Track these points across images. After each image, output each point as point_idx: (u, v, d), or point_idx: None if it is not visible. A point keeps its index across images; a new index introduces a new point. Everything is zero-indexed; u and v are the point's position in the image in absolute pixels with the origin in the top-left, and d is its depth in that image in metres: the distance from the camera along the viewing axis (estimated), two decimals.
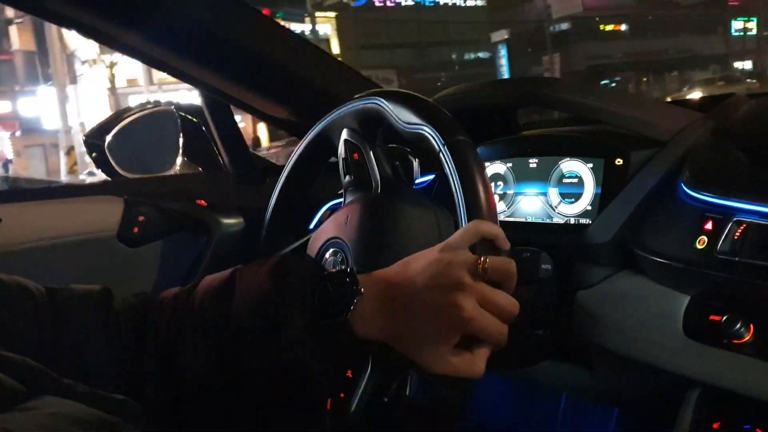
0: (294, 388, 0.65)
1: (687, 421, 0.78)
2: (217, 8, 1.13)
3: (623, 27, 29.94)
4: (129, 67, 18.40)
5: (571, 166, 0.93)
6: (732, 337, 0.72)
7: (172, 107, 1.35)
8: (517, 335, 0.63)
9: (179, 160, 1.32)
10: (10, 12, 15.29)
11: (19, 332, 0.62)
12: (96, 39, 1.14)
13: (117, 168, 1.27)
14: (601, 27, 29.31)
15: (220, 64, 1.20)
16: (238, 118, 1.45)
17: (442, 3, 29.92)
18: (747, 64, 28.02)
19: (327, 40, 24.34)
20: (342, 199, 0.92)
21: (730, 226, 0.72)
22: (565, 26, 26.96)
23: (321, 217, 1.18)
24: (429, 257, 0.63)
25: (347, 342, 0.62)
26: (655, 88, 26.29)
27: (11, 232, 1.03)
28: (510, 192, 1.00)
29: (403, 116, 0.78)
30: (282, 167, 1.00)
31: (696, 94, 16.74)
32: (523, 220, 0.98)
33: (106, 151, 1.26)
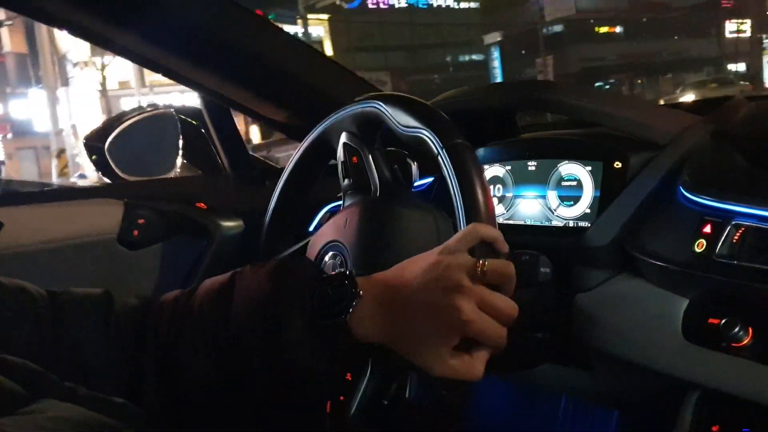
0: (294, 390, 0.65)
1: (686, 423, 0.78)
2: (213, 10, 1.13)
3: (618, 29, 29.97)
4: (121, 70, 18.40)
5: (569, 169, 0.93)
6: (731, 340, 0.72)
7: (172, 110, 1.35)
8: (516, 338, 0.63)
9: (179, 162, 1.32)
10: (0, 14, 15.25)
11: (20, 335, 0.62)
12: (89, 40, 1.14)
13: (117, 171, 1.27)
14: (596, 29, 29.35)
15: (217, 66, 1.20)
16: None
17: (435, 5, 29.98)
18: (741, 67, 28.06)
19: (320, 43, 24.29)
20: (341, 202, 0.92)
21: (728, 229, 0.72)
22: (558, 28, 26.98)
23: (320, 219, 1.19)
24: (428, 260, 0.63)
25: (346, 344, 0.62)
26: (648, 91, 26.28)
27: (12, 235, 1.03)
28: (509, 195, 1.00)
29: (401, 119, 0.79)
30: (281, 170, 1.01)
31: (688, 97, 16.77)
32: (521, 223, 0.98)
33: (106, 153, 1.26)
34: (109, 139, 1.26)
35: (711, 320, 0.73)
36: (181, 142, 1.32)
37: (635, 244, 0.82)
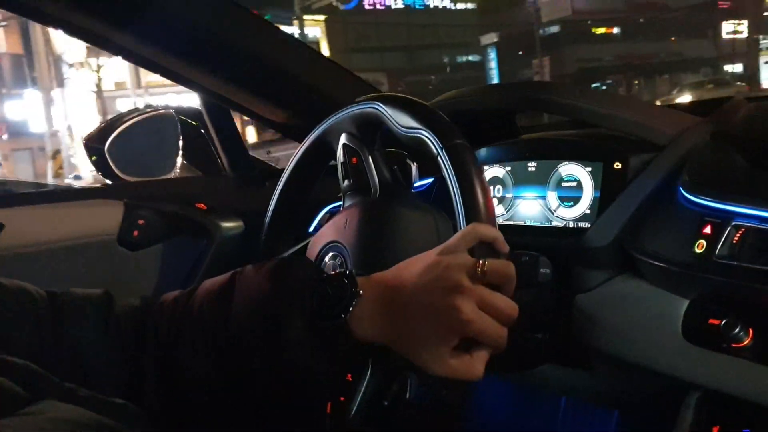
0: (293, 390, 0.65)
1: (687, 423, 0.78)
2: (213, 10, 1.13)
3: (615, 30, 29.98)
4: (117, 71, 18.39)
5: (569, 169, 0.93)
6: (731, 341, 0.72)
7: (172, 111, 1.35)
8: (516, 338, 0.63)
9: (179, 163, 1.32)
10: None
11: (20, 336, 0.62)
12: (89, 41, 1.14)
13: (117, 171, 1.27)
14: (594, 30, 29.34)
15: (216, 67, 1.20)
16: None
17: (432, 6, 29.97)
18: (737, 68, 28.09)
19: (316, 44, 24.24)
20: (341, 203, 0.92)
21: (728, 230, 0.72)
22: (554, 29, 26.96)
23: (320, 220, 1.19)
24: (427, 260, 0.63)
25: (346, 344, 0.62)
26: (645, 92, 26.30)
27: (12, 236, 1.04)
28: (509, 195, 1.00)
29: (401, 120, 0.79)
30: (281, 171, 1.01)
31: (685, 98, 16.80)
32: (521, 223, 0.98)
33: (106, 154, 1.26)
34: (109, 139, 1.26)
35: (711, 321, 0.73)
36: (181, 142, 1.32)
37: (635, 244, 0.82)
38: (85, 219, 1.17)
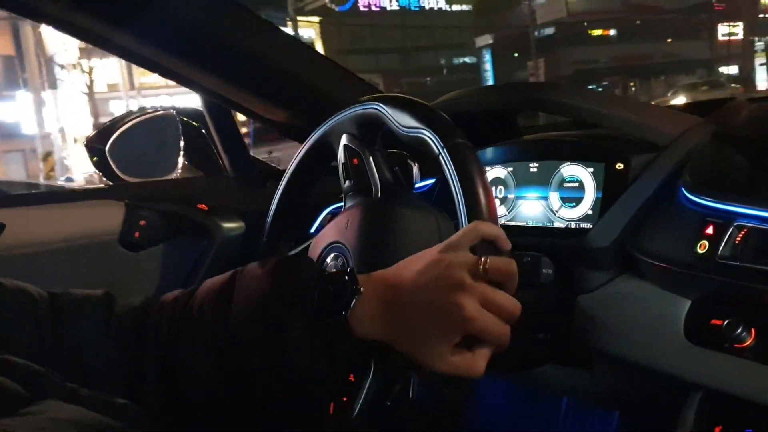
0: (295, 389, 0.64)
1: (689, 423, 0.78)
2: (214, 10, 1.13)
3: (611, 32, 29.99)
4: (109, 72, 18.36)
5: (571, 170, 0.93)
6: (733, 341, 0.72)
7: (173, 111, 1.35)
8: (518, 339, 0.63)
9: (180, 163, 1.32)
10: None
11: (21, 336, 0.62)
12: (89, 41, 1.14)
13: (118, 172, 1.27)
14: (590, 32, 29.35)
15: (217, 67, 1.20)
16: None
17: (427, 8, 29.96)
18: (733, 69, 28.13)
19: (311, 45, 24.11)
20: (342, 204, 0.92)
21: (731, 230, 0.72)
22: (549, 31, 26.97)
23: (322, 221, 1.19)
24: (429, 257, 0.63)
25: (347, 342, 0.62)
26: (641, 93, 26.33)
27: (13, 236, 1.04)
28: (511, 196, 1.00)
29: (402, 120, 0.79)
30: (282, 171, 1.01)
31: (679, 99, 16.81)
32: (523, 224, 0.98)
33: (107, 155, 1.26)
34: (110, 140, 1.26)
35: (713, 321, 0.73)
36: (182, 143, 1.32)
37: (637, 245, 0.82)
38: (86, 220, 1.17)
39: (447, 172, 0.72)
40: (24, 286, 0.66)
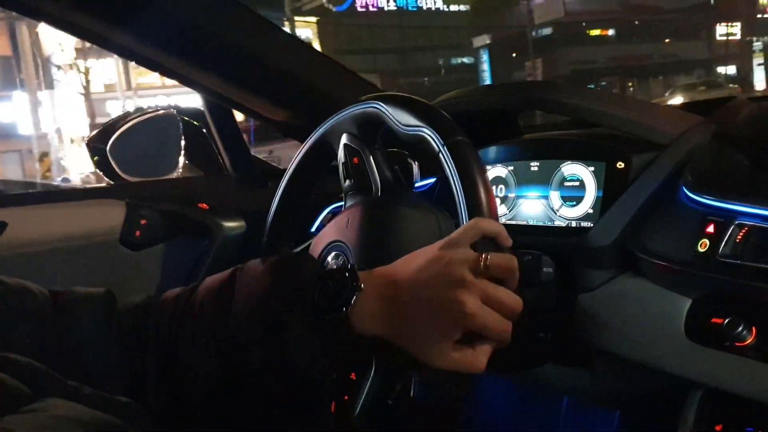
0: (295, 388, 0.64)
1: (689, 423, 0.78)
2: (214, 10, 1.13)
3: (609, 32, 29.97)
4: (106, 73, 18.34)
5: (572, 169, 0.93)
6: (734, 340, 0.72)
7: (174, 111, 1.35)
8: (518, 338, 0.63)
9: (181, 163, 1.33)
10: None
11: (23, 335, 0.62)
12: (90, 40, 1.14)
13: (119, 171, 1.27)
14: (589, 32, 29.34)
15: (218, 66, 1.20)
16: None
17: (425, 8, 29.93)
18: (731, 69, 28.12)
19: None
20: (343, 203, 0.92)
21: (731, 229, 0.72)
22: (547, 31, 26.94)
23: (322, 220, 1.19)
24: (429, 254, 0.63)
25: (347, 340, 0.62)
26: (639, 93, 26.31)
27: (15, 235, 1.04)
28: (511, 195, 1.00)
29: (402, 119, 0.79)
30: (283, 171, 1.01)
31: (677, 100, 16.84)
32: (524, 223, 0.98)
33: (108, 154, 1.26)
34: (111, 140, 1.26)
35: (714, 320, 0.73)
36: (183, 142, 1.32)
37: (638, 244, 0.82)
38: (87, 219, 1.17)
39: (447, 169, 0.72)
40: (25, 284, 0.66)
